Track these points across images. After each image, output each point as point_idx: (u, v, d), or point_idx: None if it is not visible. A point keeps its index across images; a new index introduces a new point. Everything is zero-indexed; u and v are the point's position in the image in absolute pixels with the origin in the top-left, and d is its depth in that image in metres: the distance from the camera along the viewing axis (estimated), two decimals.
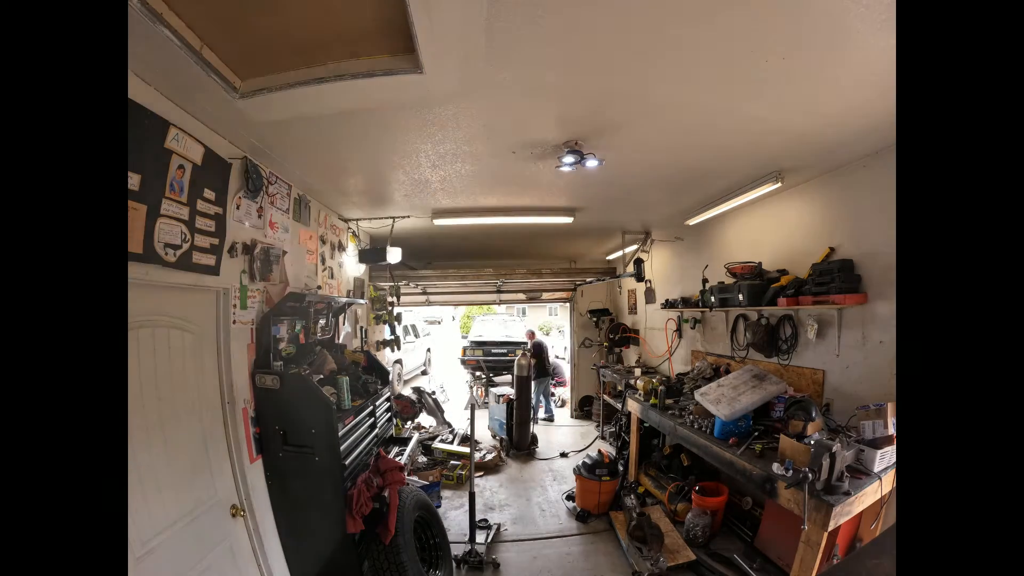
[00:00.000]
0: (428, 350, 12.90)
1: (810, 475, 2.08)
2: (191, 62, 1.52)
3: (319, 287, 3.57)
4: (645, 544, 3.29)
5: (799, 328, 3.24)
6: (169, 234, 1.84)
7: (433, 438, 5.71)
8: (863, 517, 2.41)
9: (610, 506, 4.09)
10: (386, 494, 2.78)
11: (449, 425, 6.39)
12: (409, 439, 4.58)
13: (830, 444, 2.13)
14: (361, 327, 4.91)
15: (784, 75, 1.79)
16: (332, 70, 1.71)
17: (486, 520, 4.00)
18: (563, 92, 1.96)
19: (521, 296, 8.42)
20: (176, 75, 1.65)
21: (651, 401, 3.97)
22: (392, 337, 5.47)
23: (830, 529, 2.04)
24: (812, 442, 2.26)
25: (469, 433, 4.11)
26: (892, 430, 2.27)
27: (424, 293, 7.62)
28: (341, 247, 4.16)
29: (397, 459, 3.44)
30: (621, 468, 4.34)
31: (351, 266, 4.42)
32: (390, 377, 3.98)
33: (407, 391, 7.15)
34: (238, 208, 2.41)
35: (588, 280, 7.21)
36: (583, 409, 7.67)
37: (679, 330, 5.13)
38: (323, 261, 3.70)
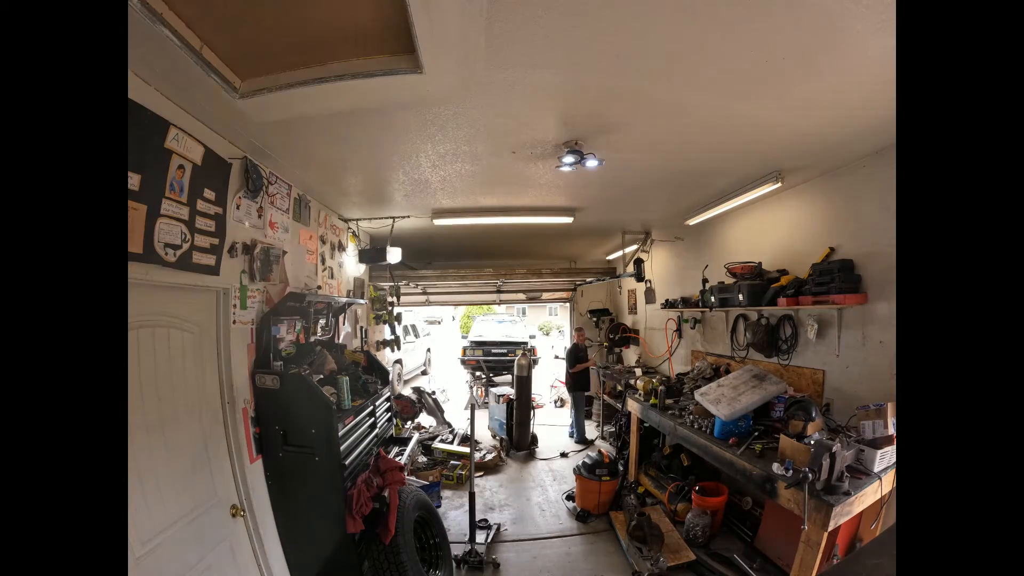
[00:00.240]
0: (428, 350, 12.91)
1: (810, 475, 2.08)
2: (191, 62, 1.52)
3: (319, 287, 3.57)
4: (645, 544, 3.29)
5: (799, 328, 3.24)
6: (169, 234, 1.84)
7: (433, 438, 5.71)
8: (863, 517, 2.41)
9: (610, 506, 4.09)
10: (386, 494, 2.78)
11: (449, 425, 6.39)
12: (409, 439, 4.58)
13: (830, 444, 2.13)
14: (361, 327, 4.91)
15: (784, 75, 1.79)
16: (332, 70, 1.71)
17: (486, 520, 4.00)
18: (563, 92, 1.96)
19: (521, 296, 8.43)
20: (176, 75, 1.65)
21: (651, 401, 3.97)
22: (392, 337, 5.48)
23: (830, 529, 2.04)
24: (812, 442, 2.26)
25: (469, 433, 4.11)
26: (892, 430, 2.27)
27: (424, 293, 7.63)
28: (341, 247, 4.16)
29: (397, 459, 3.44)
30: (621, 468, 4.34)
31: (351, 266, 4.42)
32: (390, 377, 3.98)
33: (407, 391, 7.15)
34: (238, 208, 2.41)
35: (588, 280, 7.21)
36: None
37: (679, 330, 5.13)
38: (323, 261, 3.70)
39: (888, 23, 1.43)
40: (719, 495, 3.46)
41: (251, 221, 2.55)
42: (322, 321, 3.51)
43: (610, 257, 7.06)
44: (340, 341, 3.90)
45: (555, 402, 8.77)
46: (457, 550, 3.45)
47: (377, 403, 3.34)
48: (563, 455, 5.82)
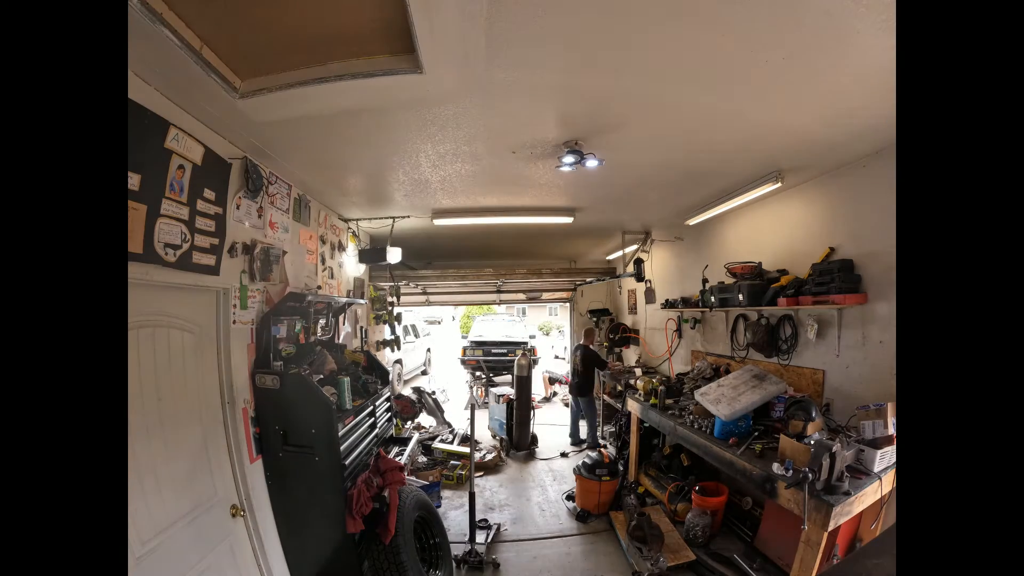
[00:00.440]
0: (428, 350, 12.91)
1: (810, 475, 2.08)
2: (191, 62, 1.52)
3: (319, 287, 3.57)
4: (645, 544, 3.29)
5: (799, 328, 3.24)
6: (169, 234, 1.84)
7: (433, 438, 5.71)
8: (863, 517, 2.41)
9: (610, 506, 4.09)
10: (386, 494, 2.78)
11: (449, 425, 6.39)
12: (409, 439, 4.58)
13: (830, 444, 2.13)
14: (361, 327, 4.91)
15: (784, 75, 1.79)
16: (332, 70, 1.71)
17: (486, 520, 4.00)
18: (563, 92, 1.96)
19: (521, 296, 8.43)
20: (176, 75, 1.65)
21: (651, 401, 3.97)
22: (392, 337, 5.48)
23: (830, 529, 2.04)
24: (812, 442, 2.26)
25: (469, 433, 4.11)
26: (892, 430, 2.27)
27: (424, 293, 7.62)
28: (341, 247, 4.16)
29: (397, 459, 3.44)
30: (621, 468, 4.34)
31: (351, 266, 4.42)
32: (390, 377, 3.98)
33: (407, 391, 7.15)
34: (238, 208, 2.41)
35: (588, 280, 7.21)
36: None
37: (679, 330, 5.13)
38: (323, 261, 3.70)
39: (888, 23, 1.43)
40: (719, 495, 3.46)
41: (251, 221, 2.55)
42: (322, 321, 3.51)
43: (610, 257, 7.06)
44: (340, 341, 3.90)
45: (549, 395, 8.71)
46: (457, 550, 3.45)
47: (377, 403, 3.34)
48: (563, 455, 5.82)
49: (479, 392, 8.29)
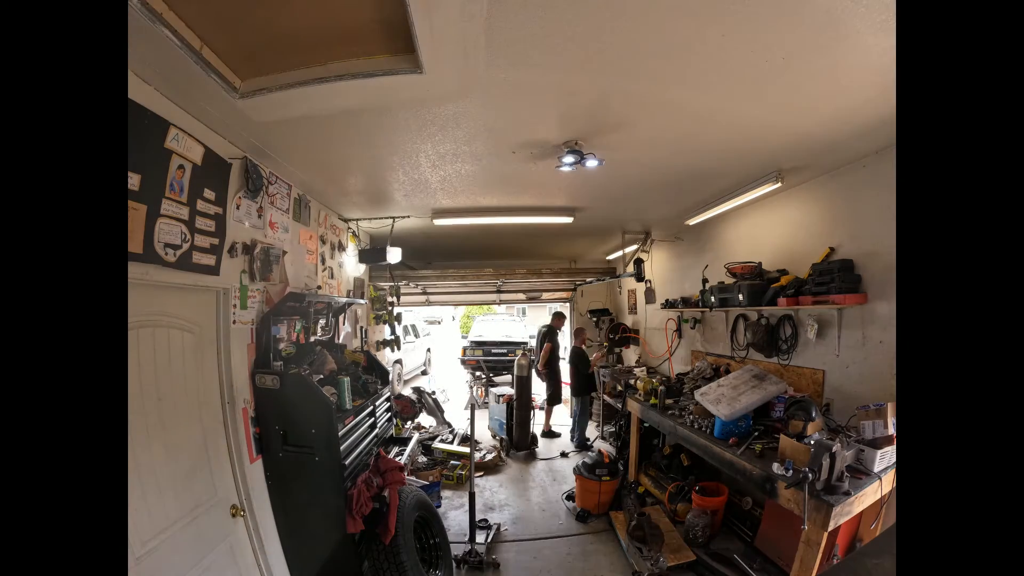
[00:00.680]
0: (428, 350, 12.91)
1: (810, 475, 2.08)
2: (191, 62, 1.52)
3: (319, 287, 3.57)
4: (645, 544, 3.29)
5: (799, 328, 3.24)
6: (169, 234, 1.84)
7: (433, 438, 5.71)
8: (863, 517, 2.41)
9: (610, 506, 4.09)
10: (386, 494, 2.78)
11: (449, 425, 6.39)
12: (409, 439, 4.58)
13: (830, 444, 2.13)
14: (361, 327, 4.91)
15: (784, 75, 1.79)
16: (332, 70, 1.71)
17: (486, 520, 4.00)
18: (563, 92, 1.96)
19: (521, 296, 8.42)
20: (176, 75, 1.65)
21: (651, 401, 3.97)
22: (392, 337, 5.47)
23: (830, 529, 2.04)
24: (812, 442, 2.25)
25: (469, 433, 4.11)
26: (892, 430, 2.27)
27: (424, 293, 7.62)
28: (341, 247, 4.16)
29: (397, 459, 3.44)
30: (621, 468, 4.34)
31: (351, 266, 4.42)
32: (390, 377, 3.98)
33: (407, 391, 7.15)
34: (238, 208, 2.41)
35: (588, 280, 7.21)
36: None
37: (679, 330, 5.13)
38: (323, 261, 3.70)
39: (888, 23, 1.43)
40: (719, 495, 3.46)
41: (251, 221, 2.55)
42: (322, 321, 3.51)
43: (610, 257, 7.06)
44: (340, 341, 3.90)
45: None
46: (457, 550, 3.45)
47: (377, 403, 3.34)
48: (563, 455, 5.81)
49: (479, 392, 8.28)
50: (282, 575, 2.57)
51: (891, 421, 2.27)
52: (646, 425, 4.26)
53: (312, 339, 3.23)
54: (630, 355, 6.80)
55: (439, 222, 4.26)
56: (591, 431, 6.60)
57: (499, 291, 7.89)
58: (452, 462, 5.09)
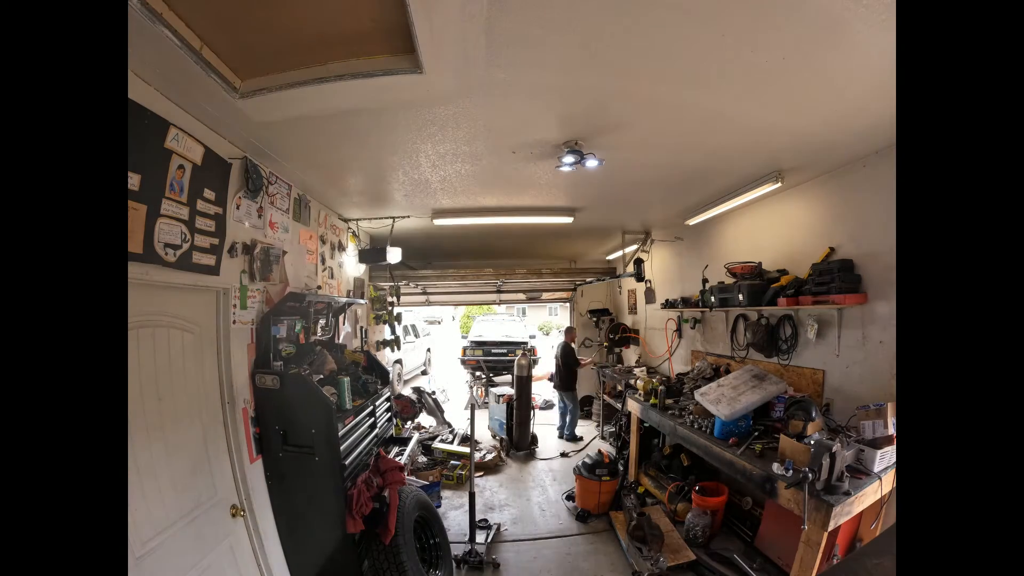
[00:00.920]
0: (428, 350, 12.91)
1: (810, 475, 2.08)
2: (191, 62, 1.52)
3: (319, 287, 3.57)
4: (645, 544, 3.29)
5: (799, 328, 3.24)
6: (169, 234, 1.84)
7: (433, 438, 5.71)
8: (863, 517, 2.41)
9: (610, 506, 4.09)
10: (386, 494, 2.78)
11: (449, 425, 6.39)
12: (409, 439, 4.58)
13: (830, 444, 2.13)
14: (361, 327, 4.91)
15: (784, 75, 1.79)
16: (332, 70, 1.71)
17: (486, 520, 4.00)
18: (563, 92, 1.96)
19: (521, 296, 8.43)
20: (176, 75, 1.65)
21: (651, 401, 3.97)
22: (392, 337, 5.47)
23: (830, 529, 2.04)
24: (812, 442, 2.26)
25: (469, 433, 4.11)
26: (892, 430, 2.27)
27: (424, 293, 7.62)
28: (341, 247, 4.16)
29: (397, 459, 3.44)
30: (621, 468, 4.34)
31: (351, 266, 4.42)
32: (390, 377, 3.98)
33: (407, 391, 7.15)
34: (238, 208, 2.41)
35: (588, 280, 7.21)
36: (583, 409, 7.66)
37: (679, 330, 5.13)
38: (323, 261, 3.70)
39: (888, 23, 1.43)
40: (719, 495, 3.46)
41: (251, 221, 2.55)
42: (322, 321, 3.51)
43: (610, 257, 7.06)
44: (340, 341, 3.90)
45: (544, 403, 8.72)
46: (457, 550, 3.45)
47: (377, 403, 3.34)
48: (563, 455, 5.82)
49: (479, 392, 8.28)
50: (282, 575, 2.57)
51: (891, 421, 2.27)
52: (646, 425, 4.26)
53: (312, 339, 3.23)
54: (630, 355, 6.80)
55: (439, 222, 4.26)
56: (591, 430, 6.61)
57: (499, 291, 7.89)
58: (452, 462, 5.09)
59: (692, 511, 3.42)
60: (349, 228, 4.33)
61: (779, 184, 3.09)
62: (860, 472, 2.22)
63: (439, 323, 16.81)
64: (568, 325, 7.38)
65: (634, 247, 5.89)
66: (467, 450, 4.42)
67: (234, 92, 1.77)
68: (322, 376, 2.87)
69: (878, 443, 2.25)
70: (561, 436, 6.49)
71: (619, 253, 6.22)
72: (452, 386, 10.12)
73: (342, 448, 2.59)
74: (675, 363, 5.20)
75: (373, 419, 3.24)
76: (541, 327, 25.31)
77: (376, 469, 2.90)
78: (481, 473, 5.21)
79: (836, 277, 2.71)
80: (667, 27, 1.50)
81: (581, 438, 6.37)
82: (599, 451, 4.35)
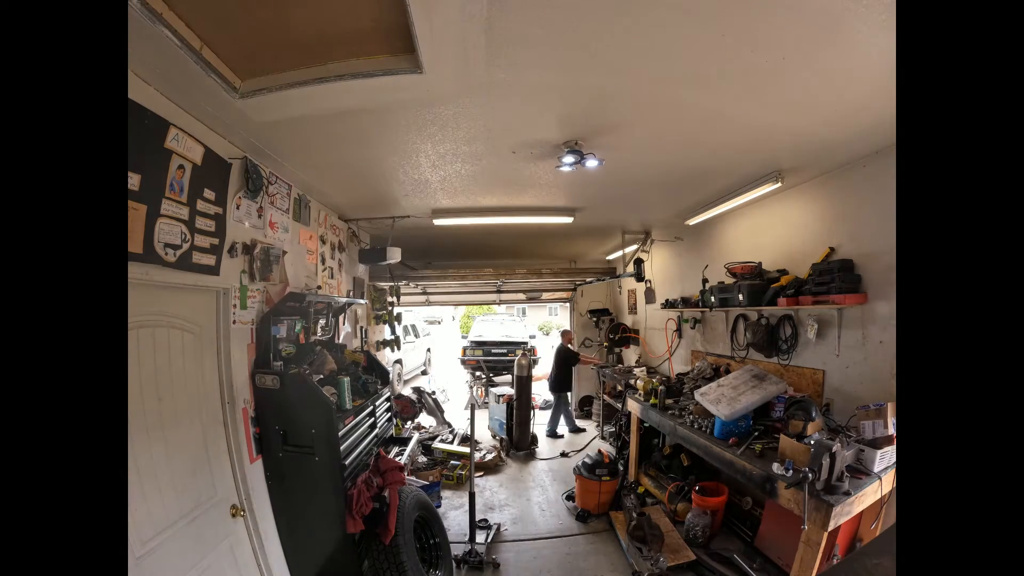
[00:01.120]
0: (428, 350, 12.91)
1: (810, 475, 2.08)
2: (191, 62, 1.52)
3: (319, 287, 3.57)
4: (645, 544, 3.29)
5: (799, 328, 3.24)
6: (169, 234, 1.84)
7: (433, 438, 5.71)
8: (863, 517, 2.41)
9: (610, 506, 4.09)
10: (386, 494, 2.78)
11: (449, 425, 6.39)
12: (409, 439, 4.58)
13: (830, 444, 2.13)
14: (361, 327, 4.91)
15: (784, 75, 1.79)
16: (332, 70, 1.71)
17: (486, 520, 4.00)
18: (563, 92, 1.96)
19: (521, 296, 8.43)
20: (176, 75, 1.65)
21: (651, 401, 3.97)
22: (392, 337, 5.48)
23: (830, 529, 2.04)
24: (812, 442, 2.25)
25: (469, 433, 4.11)
26: (892, 430, 2.27)
27: (424, 293, 7.63)
28: (341, 247, 4.16)
29: (397, 459, 3.44)
30: (621, 468, 4.34)
31: (351, 266, 4.42)
32: (390, 377, 3.98)
33: (407, 391, 7.15)
34: (238, 208, 2.41)
35: (588, 280, 7.21)
36: (583, 409, 7.67)
37: (679, 330, 5.13)
38: (323, 261, 3.70)
39: (888, 23, 1.43)
40: (719, 495, 3.46)
41: (251, 221, 2.55)
42: (322, 321, 3.51)
43: (610, 257, 7.06)
44: (340, 341, 3.90)
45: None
46: (457, 550, 3.45)
47: (377, 403, 3.34)
48: (563, 455, 5.82)
49: (479, 392, 8.28)
50: (282, 575, 2.57)
51: (891, 421, 2.27)
52: (646, 425, 4.26)
53: (312, 339, 3.23)
54: (630, 355, 6.80)
55: (439, 222, 4.26)
56: (592, 430, 6.61)
57: (499, 291, 7.90)
58: (452, 462, 5.09)
59: (692, 511, 3.42)
60: (349, 228, 4.33)
61: (779, 184, 3.09)
62: (860, 472, 2.22)
63: (439, 323, 16.81)
64: (564, 328, 7.61)
65: (634, 247, 5.89)
66: (467, 450, 4.42)
67: (234, 92, 1.77)
68: (322, 376, 2.87)
69: (878, 443, 2.25)
70: (549, 434, 6.62)
71: (619, 253, 6.22)
72: (452, 386, 10.12)
73: (342, 448, 2.59)
74: (675, 363, 5.20)
75: (373, 419, 3.24)
76: (541, 327, 25.31)
77: (376, 469, 2.90)
78: (481, 473, 5.21)
79: (836, 277, 2.71)
80: (667, 27, 1.50)
81: (562, 435, 6.60)
82: (599, 451, 4.35)
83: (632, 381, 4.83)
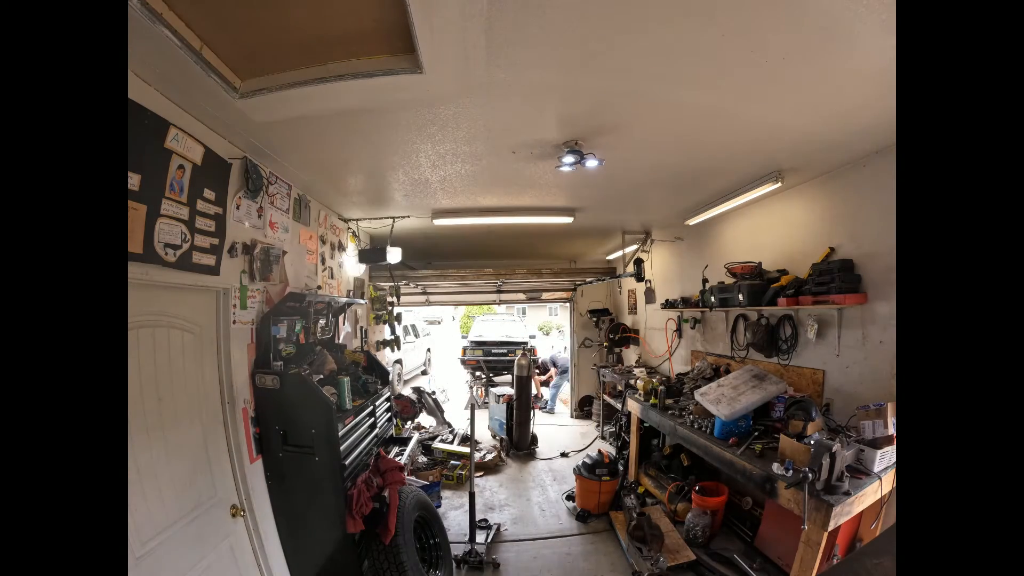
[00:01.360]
0: (428, 350, 12.91)
1: (810, 475, 2.08)
2: (191, 62, 1.52)
3: (319, 287, 3.57)
4: (645, 544, 3.29)
5: (799, 328, 3.24)
6: (169, 234, 1.84)
7: (433, 438, 5.71)
8: (863, 517, 2.41)
9: (610, 506, 4.09)
10: (386, 494, 2.78)
11: (449, 425, 6.39)
12: (409, 439, 4.58)
13: (830, 444, 2.13)
14: (361, 327, 4.91)
15: (784, 75, 1.79)
16: (332, 70, 1.71)
17: (486, 520, 4.00)
18: (563, 92, 1.96)
19: (521, 296, 8.41)
20: (176, 75, 1.65)
21: (651, 401, 3.97)
22: (392, 337, 5.47)
23: (830, 529, 2.04)
24: (812, 442, 2.26)
25: (469, 433, 4.11)
26: (892, 430, 2.27)
27: (424, 293, 7.61)
28: (341, 247, 4.16)
29: (397, 459, 3.44)
30: (621, 468, 4.34)
31: (351, 266, 4.42)
32: (390, 377, 3.98)
33: (407, 391, 7.14)
34: (238, 208, 2.41)
35: (588, 280, 7.20)
36: (583, 409, 7.67)
37: (679, 330, 5.13)
38: (323, 261, 3.70)
39: (888, 23, 1.43)
40: (719, 495, 3.46)
41: (251, 221, 2.55)
42: (322, 321, 3.51)
43: (610, 257, 7.06)
44: (340, 341, 3.90)
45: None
46: (457, 550, 3.45)
47: (377, 403, 3.34)
48: (563, 455, 5.81)
49: (479, 392, 8.28)
50: (282, 575, 2.57)
51: (891, 421, 2.27)
52: (646, 425, 4.26)
53: (312, 339, 3.23)
54: (630, 355, 6.80)
55: (439, 222, 4.26)
56: (592, 431, 6.60)
57: (499, 291, 7.88)
58: (452, 462, 5.09)
59: (692, 511, 3.42)
60: (349, 228, 4.33)
61: (779, 184, 3.09)
62: (860, 472, 2.22)
63: (439, 323, 16.80)
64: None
65: (634, 247, 5.89)
66: (467, 450, 4.42)
67: (234, 92, 1.77)
68: (322, 376, 2.87)
69: (878, 443, 2.25)
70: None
71: (619, 253, 6.22)
72: (452, 386, 10.12)
73: (342, 448, 2.59)
74: (675, 363, 5.20)
75: (373, 419, 3.24)
76: (541, 327, 25.31)
77: (376, 469, 2.90)
78: (481, 473, 5.21)
79: (836, 277, 2.71)
80: (667, 27, 1.50)
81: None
82: (599, 451, 4.35)
83: (632, 381, 4.83)
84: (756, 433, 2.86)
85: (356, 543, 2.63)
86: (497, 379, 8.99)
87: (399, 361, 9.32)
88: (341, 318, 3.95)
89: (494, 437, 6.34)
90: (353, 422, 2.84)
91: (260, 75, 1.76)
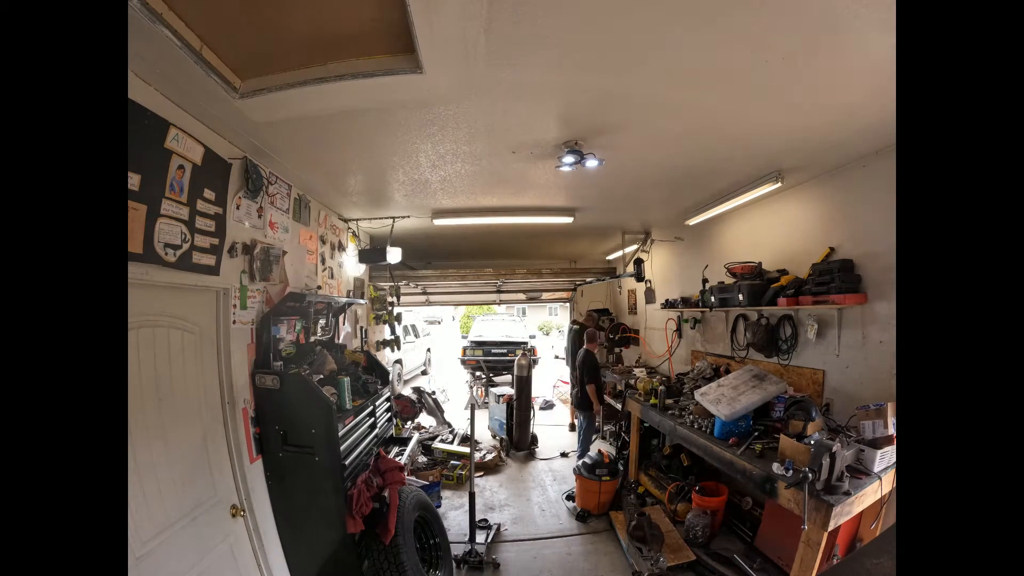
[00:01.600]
0: (428, 350, 12.91)
1: (810, 475, 2.08)
2: (191, 62, 1.52)
3: (319, 287, 3.57)
4: (645, 544, 3.29)
5: (799, 328, 3.24)
6: (169, 234, 1.84)
7: (433, 438, 5.71)
8: (863, 517, 2.41)
9: (610, 506, 4.09)
10: (386, 494, 2.78)
11: (449, 425, 6.39)
12: (409, 439, 4.58)
13: (830, 444, 2.13)
14: (361, 327, 4.91)
15: (784, 75, 1.79)
16: (332, 70, 1.71)
17: (486, 520, 4.00)
18: (563, 92, 1.96)
19: (521, 296, 8.43)
20: (176, 75, 1.65)
21: (651, 401, 3.97)
22: (392, 337, 5.48)
23: (830, 529, 2.04)
24: (812, 442, 2.25)
25: (469, 433, 4.11)
26: (892, 430, 2.27)
27: (424, 293, 7.63)
28: (341, 247, 4.16)
29: (397, 459, 3.44)
30: (621, 468, 4.34)
31: (351, 266, 4.42)
32: (390, 377, 3.98)
33: (407, 391, 7.15)
34: (238, 208, 2.41)
35: (588, 280, 7.21)
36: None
37: (679, 330, 5.13)
38: (323, 261, 3.70)
39: (888, 22, 1.43)
40: (719, 495, 3.46)
41: (251, 221, 2.55)
42: (322, 321, 3.51)
43: (610, 257, 7.05)
44: (340, 341, 3.90)
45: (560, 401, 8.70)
46: (457, 550, 3.45)
47: (377, 403, 3.34)
48: (563, 455, 5.82)
49: (479, 392, 8.29)
50: (282, 575, 2.57)
51: (891, 421, 2.27)
52: (646, 425, 4.26)
53: (312, 339, 3.23)
54: (630, 355, 6.80)
55: (439, 222, 4.26)
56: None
57: (499, 291, 7.89)
58: (452, 462, 5.09)
59: (692, 511, 3.42)
60: (349, 228, 4.33)
61: (779, 184, 3.09)
62: (860, 472, 2.22)
63: (439, 323, 16.79)
64: (588, 328, 5.80)
65: (634, 247, 5.89)
66: (467, 450, 4.42)
67: (234, 92, 1.77)
68: (322, 376, 2.87)
69: (878, 443, 2.25)
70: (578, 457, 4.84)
71: (619, 253, 6.22)
72: (452, 386, 10.12)
73: (342, 448, 2.59)
74: (675, 363, 5.20)
75: (373, 419, 3.24)
76: (541, 327, 25.32)
77: (376, 469, 2.90)
78: (481, 473, 5.21)
79: (836, 277, 2.71)
80: (667, 27, 1.50)
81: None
82: (599, 451, 4.35)
83: (632, 381, 4.83)
84: (756, 433, 2.86)
85: (356, 543, 2.63)
86: (497, 379, 8.99)
87: (399, 361, 9.32)
88: (341, 318, 3.95)
89: (494, 437, 6.34)
90: (353, 422, 2.84)
91: (260, 75, 1.76)
